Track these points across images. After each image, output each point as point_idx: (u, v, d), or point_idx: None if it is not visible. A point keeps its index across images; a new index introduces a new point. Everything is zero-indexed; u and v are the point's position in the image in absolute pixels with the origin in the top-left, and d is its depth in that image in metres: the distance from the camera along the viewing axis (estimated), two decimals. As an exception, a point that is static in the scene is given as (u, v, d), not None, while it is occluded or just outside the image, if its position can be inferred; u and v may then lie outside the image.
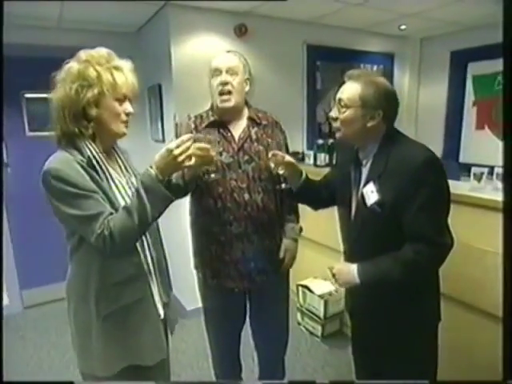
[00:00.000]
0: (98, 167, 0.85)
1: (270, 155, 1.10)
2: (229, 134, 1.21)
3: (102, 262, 0.86)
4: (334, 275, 1.06)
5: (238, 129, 1.23)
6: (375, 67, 2.84)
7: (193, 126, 1.23)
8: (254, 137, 1.23)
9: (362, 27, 2.61)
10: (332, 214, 1.31)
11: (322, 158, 2.36)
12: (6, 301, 2.38)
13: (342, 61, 2.67)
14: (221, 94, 1.16)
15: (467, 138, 2.77)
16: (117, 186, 0.89)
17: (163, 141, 2.31)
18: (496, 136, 2.59)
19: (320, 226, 1.77)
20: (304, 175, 1.16)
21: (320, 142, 2.43)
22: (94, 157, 0.85)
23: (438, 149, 2.80)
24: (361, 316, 1.17)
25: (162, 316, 0.96)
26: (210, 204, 1.20)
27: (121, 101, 0.87)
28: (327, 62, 2.61)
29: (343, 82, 1.01)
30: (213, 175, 1.16)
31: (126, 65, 0.89)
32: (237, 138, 1.21)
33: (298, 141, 2.55)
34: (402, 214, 0.94)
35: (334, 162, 2.31)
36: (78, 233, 0.86)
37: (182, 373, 1.83)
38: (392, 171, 0.95)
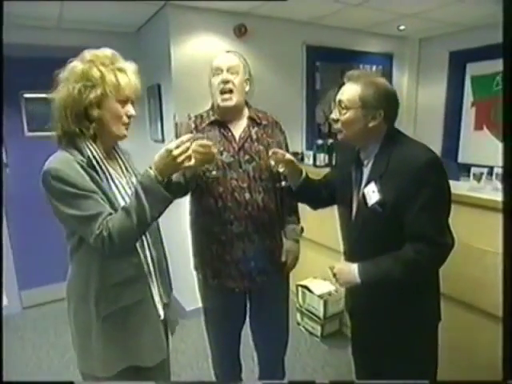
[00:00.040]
0: (98, 167, 0.85)
1: (270, 153, 1.10)
2: (229, 134, 1.21)
3: (101, 262, 0.86)
4: (334, 275, 1.06)
5: (239, 128, 1.23)
6: (374, 67, 2.84)
7: (193, 125, 1.23)
8: (254, 136, 1.23)
9: (361, 28, 2.62)
10: (331, 214, 1.31)
11: (322, 158, 2.36)
12: (4, 301, 2.38)
13: (342, 61, 2.67)
14: (222, 92, 1.16)
15: (466, 139, 2.78)
16: (117, 187, 0.89)
17: (163, 141, 2.31)
18: (495, 136, 2.59)
19: (319, 226, 1.77)
20: (304, 174, 1.17)
21: (319, 142, 2.43)
22: (95, 157, 0.85)
23: (436, 149, 2.80)
24: (361, 316, 1.18)
25: (162, 317, 0.96)
26: (210, 203, 1.20)
27: (123, 103, 0.87)
28: (326, 63, 2.62)
29: (343, 84, 1.01)
30: (214, 172, 1.16)
31: (130, 66, 0.89)
32: (237, 137, 1.22)
33: (297, 141, 2.55)
34: (403, 213, 0.94)
35: (334, 162, 2.33)
36: (78, 233, 0.86)
37: (181, 373, 1.83)
38: (393, 171, 0.95)
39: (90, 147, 0.86)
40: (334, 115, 1.01)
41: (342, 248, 1.19)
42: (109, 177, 0.87)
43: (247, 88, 1.24)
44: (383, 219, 0.97)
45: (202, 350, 1.94)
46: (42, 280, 2.49)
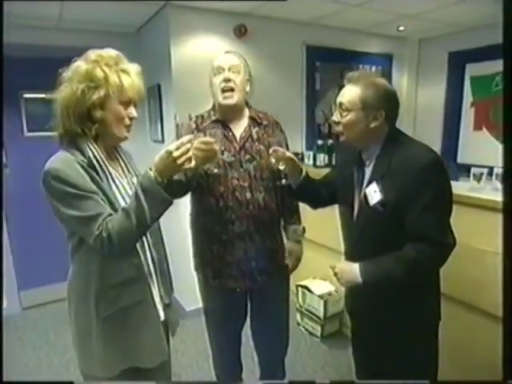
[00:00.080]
0: (98, 168, 0.85)
1: (270, 151, 1.10)
2: (230, 134, 1.22)
3: (101, 262, 0.85)
4: (335, 274, 1.06)
5: (239, 128, 1.23)
6: (374, 68, 2.84)
7: (194, 125, 1.23)
8: (255, 136, 1.24)
9: (360, 28, 2.62)
10: (331, 214, 1.31)
11: (322, 158, 2.37)
12: (4, 302, 2.37)
13: (341, 61, 2.67)
14: (223, 91, 1.17)
15: (465, 139, 2.78)
16: (117, 187, 0.89)
17: (162, 141, 2.31)
18: (494, 137, 2.60)
19: (319, 226, 1.77)
20: (304, 172, 1.17)
21: (319, 142, 2.43)
22: (96, 157, 0.85)
23: (436, 149, 2.76)
24: (361, 316, 1.18)
25: (163, 318, 0.96)
26: (211, 203, 1.20)
27: (126, 104, 0.87)
28: (326, 63, 2.62)
29: (342, 85, 1.02)
30: (216, 170, 1.16)
31: (134, 68, 0.88)
32: (238, 137, 1.22)
33: (297, 141, 2.55)
34: (404, 213, 0.94)
35: (334, 162, 2.34)
36: (78, 233, 0.86)
37: (182, 373, 1.83)
38: (395, 171, 0.95)
39: (92, 148, 0.86)
40: (335, 117, 1.01)
41: (342, 248, 1.19)
42: (109, 177, 0.87)
43: (248, 88, 1.25)
44: (384, 219, 0.97)
45: (202, 351, 1.94)
46: (41, 280, 2.49)
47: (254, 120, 1.26)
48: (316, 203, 1.27)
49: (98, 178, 0.84)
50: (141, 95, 0.90)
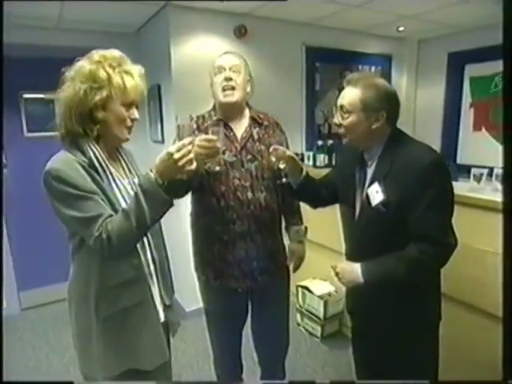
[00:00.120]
0: (99, 168, 0.85)
1: (271, 149, 1.10)
2: (231, 134, 1.22)
3: (101, 263, 0.85)
4: (337, 274, 1.06)
5: (240, 128, 1.24)
6: (373, 69, 2.85)
7: (195, 126, 1.23)
8: (255, 136, 1.24)
9: (360, 29, 2.63)
10: (331, 214, 1.31)
11: (322, 158, 2.37)
12: (3, 302, 2.36)
13: (341, 62, 2.68)
14: (224, 89, 1.17)
15: (464, 140, 2.79)
16: (118, 188, 0.88)
17: (162, 142, 2.31)
18: (493, 137, 2.61)
19: (319, 226, 1.77)
20: (304, 172, 1.17)
21: (319, 143, 2.44)
22: (97, 158, 0.85)
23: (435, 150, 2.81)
24: (362, 316, 1.18)
25: (163, 319, 0.96)
26: (212, 203, 1.20)
27: (128, 106, 0.87)
28: (326, 64, 2.63)
29: (342, 87, 1.02)
30: (217, 168, 1.16)
31: (137, 70, 0.88)
32: (239, 137, 1.22)
33: (297, 142, 2.55)
34: (406, 214, 0.95)
35: (334, 162, 2.34)
36: (79, 234, 0.86)
37: (182, 373, 1.83)
38: (397, 172, 0.96)
39: (93, 148, 0.85)
40: (337, 120, 1.02)
41: (341, 248, 1.20)
42: (110, 178, 0.87)
43: (248, 89, 1.25)
44: (386, 219, 0.97)
45: (202, 351, 1.94)
46: (41, 281, 2.49)
47: (254, 120, 1.26)
48: (316, 203, 1.28)
49: (98, 178, 0.84)
50: (142, 97, 0.90)
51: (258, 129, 1.25)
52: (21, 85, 2.25)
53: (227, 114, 1.22)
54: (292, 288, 1.48)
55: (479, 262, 1.38)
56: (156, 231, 0.97)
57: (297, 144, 2.54)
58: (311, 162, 2.42)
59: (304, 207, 1.40)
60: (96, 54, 0.86)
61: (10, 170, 2.32)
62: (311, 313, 2.14)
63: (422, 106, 3.07)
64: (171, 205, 0.85)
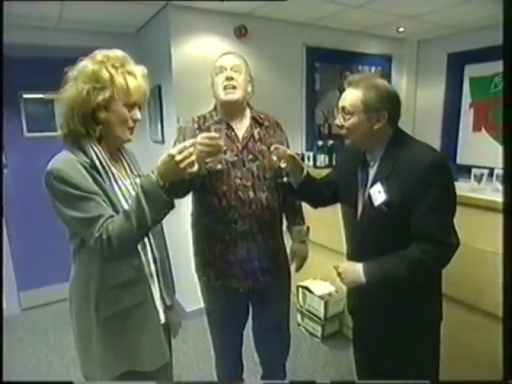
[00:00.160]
0: (101, 169, 0.85)
1: (272, 148, 1.11)
2: (233, 134, 1.22)
3: (102, 263, 0.85)
4: (339, 274, 1.06)
5: (242, 128, 1.24)
6: (373, 69, 2.85)
7: (196, 126, 1.23)
8: (256, 137, 1.24)
9: (360, 29, 2.63)
10: (331, 215, 1.31)
11: (322, 159, 2.37)
12: (3, 303, 2.36)
13: (341, 62, 2.68)
14: (226, 88, 1.17)
15: (464, 140, 2.79)
16: (120, 188, 0.88)
17: (163, 142, 2.31)
18: (493, 138, 2.61)
19: (319, 227, 1.77)
20: (305, 171, 1.17)
21: (320, 143, 2.44)
22: (99, 159, 0.85)
23: (435, 150, 2.81)
24: (363, 315, 1.18)
25: (163, 320, 0.95)
26: (214, 203, 1.20)
27: (130, 106, 0.87)
28: (326, 64, 2.63)
29: (342, 88, 1.02)
30: (219, 166, 1.16)
31: (140, 70, 0.88)
32: (240, 137, 1.22)
33: (297, 142, 2.55)
34: (409, 214, 0.95)
35: (335, 162, 2.34)
36: (80, 234, 0.86)
37: (182, 373, 1.83)
38: (400, 172, 0.96)
39: (95, 149, 0.85)
40: (338, 121, 1.02)
41: (342, 248, 1.20)
42: (112, 178, 0.87)
43: (249, 89, 1.25)
44: (388, 219, 0.98)
45: (202, 351, 1.94)
46: (41, 281, 2.48)
47: (255, 120, 1.26)
48: (317, 202, 1.28)
49: (100, 179, 0.84)
50: (146, 97, 0.90)
51: (258, 129, 1.26)
52: (21, 85, 2.25)
53: (228, 112, 1.22)
54: (292, 288, 1.48)
55: (480, 262, 1.39)
56: (157, 231, 0.97)
57: (297, 144, 2.54)
58: (311, 163, 2.42)
59: (304, 208, 1.40)
60: (99, 54, 0.86)
61: (10, 170, 2.31)
62: (312, 313, 2.14)
63: (421, 106, 3.07)
64: (172, 206, 0.85)
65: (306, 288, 2.15)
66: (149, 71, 0.93)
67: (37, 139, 2.36)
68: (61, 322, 2.27)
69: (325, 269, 1.62)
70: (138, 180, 0.95)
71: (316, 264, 1.80)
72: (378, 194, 0.98)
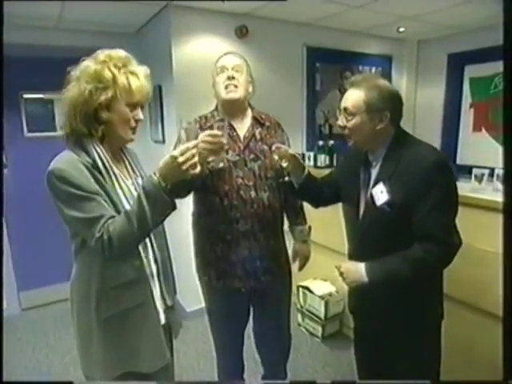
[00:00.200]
0: (103, 169, 0.84)
1: (273, 148, 1.11)
2: (234, 133, 1.22)
3: (103, 263, 0.85)
4: (341, 274, 1.06)
5: (243, 128, 1.24)
6: (373, 69, 2.86)
7: (198, 126, 1.23)
8: (258, 136, 1.25)
9: (360, 29, 2.63)
10: (331, 215, 1.32)
11: (323, 159, 2.37)
12: (4, 303, 2.36)
13: (341, 63, 2.68)
14: (227, 87, 1.18)
15: (464, 140, 2.80)
16: (122, 188, 0.88)
17: (163, 142, 2.31)
18: (493, 138, 2.61)
19: (320, 227, 1.77)
20: (306, 171, 1.17)
21: (320, 143, 2.44)
22: (101, 159, 0.85)
23: (435, 150, 2.81)
24: (364, 315, 1.18)
25: (163, 321, 0.95)
26: (215, 202, 1.20)
27: (133, 106, 0.87)
28: (326, 64, 2.63)
29: (342, 88, 1.02)
30: (221, 164, 1.16)
31: (142, 70, 0.88)
32: (242, 137, 1.23)
33: (297, 142, 2.55)
34: (411, 214, 0.95)
35: (335, 162, 2.34)
36: (81, 234, 0.86)
37: (183, 373, 1.82)
38: (402, 172, 0.96)
39: (97, 149, 0.85)
40: (341, 122, 1.02)
41: (342, 249, 1.20)
42: (114, 179, 0.87)
43: (250, 89, 1.25)
44: (391, 219, 0.98)
45: (203, 351, 1.94)
46: (41, 281, 2.48)
47: (256, 120, 1.27)
48: (318, 202, 1.28)
49: (102, 179, 0.84)
50: (148, 98, 0.90)
51: (260, 129, 1.26)
52: (21, 85, 2.25)
53: (230, 112, 1.22)
54: (293, 288, 1.48)
55: (480, 261, 1.39)
56: (159, 232, 0.96)
57: (297, 144, 2.54)
58: (312, 163, 2.42)
59: (305, 208, 1.41)
60: (101, 54, 0.85)
61: (10, 170, 2.31)
62: (312, 313, 2.14)
63: (421, 106, 3.08)
64: (174, 208, 0.85)
65: (307, 288, 2.15)
66: (149, 71, 0.93)
67: (37, 139, 2.36)
68: (61, 322, 2.27)
69: (325, 269, 1.62)
70: (139, 180, 0.95)
71: (316, 264, 1.80)
72: (381, 194, 0.98)
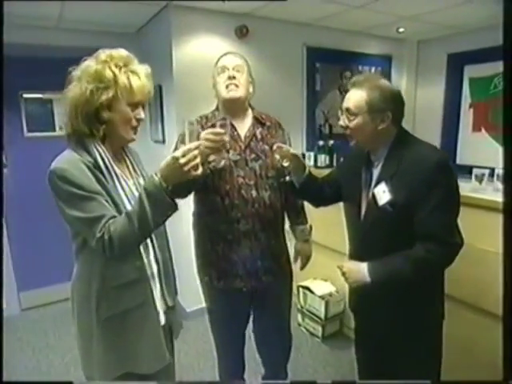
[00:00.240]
0: (104, 169, 0.84)
1: (274, 147, 1.11)
2: (235, 133, 1.22)
3: (103, 263, 0.85)
4: (343, 274, 1.06)
5: (244, 128, 1.24)
6: (373, 69, 2.86)
7: (199, 126, 1.23)
8: (259, 136, 1.25)
9: (360, 29, 2.63)
10: (332, 215, 1.32)
11: (323, 159, 2.37)
12: (3, 303, 2.35)
13: (341, 63, 2.69)
14: (228, 87, 1.18)
15: (464, 140, 2.80)
16: (123, 188, 0.88)
17: (163, 142, 2.31)
18: (493, 138, 2.62)
19: (320, 227, 1.77)
20: (307, 170, 1.17)
21: (320, 143, 2.44)
22: (102, 159, 0.85)
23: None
24: (365, 314, 1.18)
25: (163, 322, 0.95)
26: (216, 202, 1.19)
27: (134, 106, 0.87)
28: (326, 64, 2.63)
29: (345, 89, 1.02)
30: (222, 163, 1.16)
31: (143, 70, 0.88)
32: (243, 136, 1.23)
33: (297, 142, 2.56)
34: (413, 213, 0.95)
35: (336, 162, 2.34)
36: (82, 234, 0.86)
37: (183, 373, 1.82)
38: (404, 172, 0.96)
39: (99, 149, 0.85)
40: (343, 122, 1.03)
41: (343, 249, 1.20)
42: (115, 178, 0.87)
43: (250, 89, 1.26)
44: (392, 219, 0.98)
45: (203, 351, 1.94)
46: (41, 281, 2.48)
47: (257, 120, 1.27)
48: (318, 201, 1.28)
49: (103, 179, 0.84)
50: (150, 97, 0.90)
51: (260, 129, 1.26)
52: (21, 85, 2.25)
53: (231, 111, 1.22)
54: (293, 288, 1.49)
55: (481, 261, 1.39)
56: (160, 232, 0.96)
57: (297, 144, 2.54)
58: (312, 163, 2.42)
59: (306, 208, 1.41)
60: (103, 54, 0.85)
61: (9, 169, 2.31)
62: (312, 313, 2.14)
63: (421, 106, 3.08)
64: (176, 209, 0.85)
65: (307, 288, 2.15)
66: (149, 71, 0.93)
67: (37, 139, 2.36)
68: (61, 322, 2.27)
69: (325, 269, 1.62)
70: (141, 180, 0.95)
71: (316, 264, 1.80)
72: (383, 194, 0.98)
